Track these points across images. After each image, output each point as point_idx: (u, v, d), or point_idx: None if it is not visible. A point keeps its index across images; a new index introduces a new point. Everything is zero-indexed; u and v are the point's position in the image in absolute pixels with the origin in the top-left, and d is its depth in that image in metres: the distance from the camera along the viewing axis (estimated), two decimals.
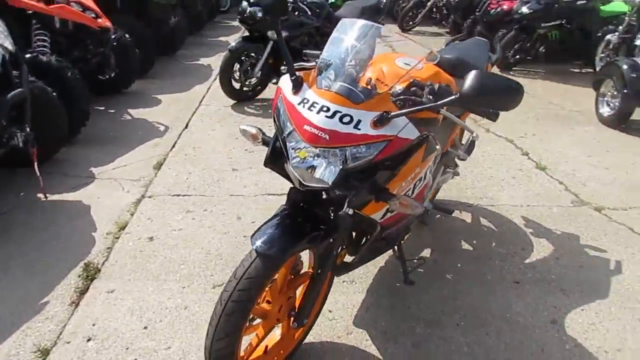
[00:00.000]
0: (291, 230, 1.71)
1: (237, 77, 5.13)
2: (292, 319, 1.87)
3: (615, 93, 4.81)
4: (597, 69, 6.38)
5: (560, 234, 3.01)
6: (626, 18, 5.88)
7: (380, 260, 2.64)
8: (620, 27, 5.91)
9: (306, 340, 2.09)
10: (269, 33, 5.00)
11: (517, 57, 6.80)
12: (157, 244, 2.78)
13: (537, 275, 2.64)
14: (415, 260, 2.64)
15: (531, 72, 6.97)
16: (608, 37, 6.08)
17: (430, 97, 1.69)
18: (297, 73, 1.72)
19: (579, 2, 6.43)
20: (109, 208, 3.13)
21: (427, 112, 1.67)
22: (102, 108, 4.90)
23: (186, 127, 4.57)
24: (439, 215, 3.14)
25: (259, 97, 5.36)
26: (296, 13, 5.14)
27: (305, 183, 1.61)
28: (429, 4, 9.84)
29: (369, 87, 1.73)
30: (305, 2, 5.26)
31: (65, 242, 2.76)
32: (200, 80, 6.13)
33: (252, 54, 5.08)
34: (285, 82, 1.75)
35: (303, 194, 1.82)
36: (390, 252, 2.52)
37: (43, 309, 2.27)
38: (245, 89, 5.23)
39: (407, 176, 1.79)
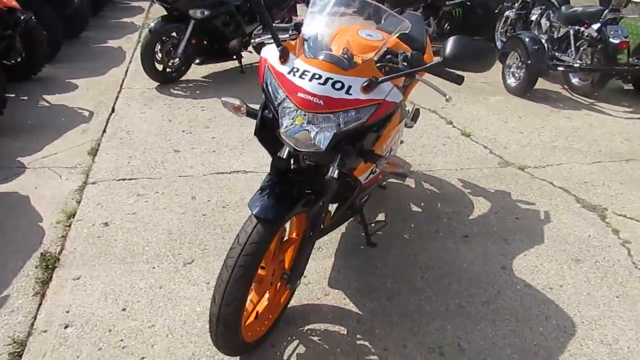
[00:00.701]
0: (285, 196, 1.77)
1: (159, 59, 4.95)
2: (284, 282, 1.94)
3: (520, 64, 5.29)
4: (497, 43, 6.95)
5: (493, 192, 3.32)
6: None
7: (341, 227, 2.75)
8: (516, 5, 6.47)
9: (289, 305, 2.16)
10: (191, 11, 4.88)
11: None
12: (114, 228, 2.69)
13: (482, 229, 2.91)
14: (373, 224, 2.79)
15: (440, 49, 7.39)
16: (506, 13, 6.63)
17: (405, 64, 1.82)
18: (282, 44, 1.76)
19: None
20: (51, 197, 2.95)
21: (397, 78, 1.80)
22: (13, 95, 4.52)
23: (113, 111, 4.36)
24: (385, 183, 3.31)
25: (183, 78, 5.22)
26: None
27: (299, 149, 1.68)
28: None
29: (345, 56, 1.82)
30: None
31: (10, 234, 2.59)
32: (115, 63, 5.83)
33: (173, 34, 4.94)
34: (271, 52, 1.78)
35: (287, 162, 1.88)
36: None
37: (4, 303, 2.14)
38: (168, 70, 5.06)
39: (387, 139, 1.92)
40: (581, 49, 5.27)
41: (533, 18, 6.09)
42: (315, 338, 2.06)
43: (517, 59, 5.35)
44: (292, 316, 2.16)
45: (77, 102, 4.51)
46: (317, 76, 1.65)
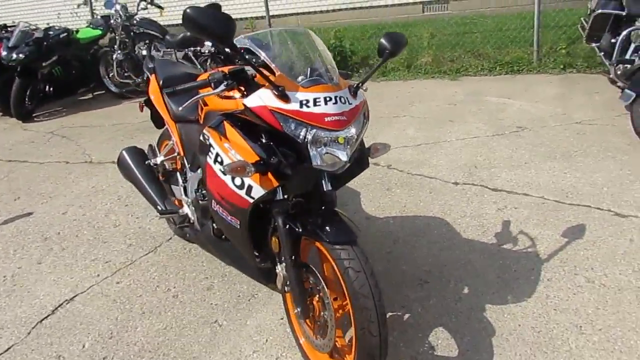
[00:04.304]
0: (337, 214, 1.83)
1: None
2: None
3: None
4: (111, 88, 7.01)
5: None
6: (117, 38, 6.62)
7: None
8: (116, 46, 6.62)
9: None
10: None
11: (31, 103, 6.46)
12: None
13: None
14: None
15: (55, 112, 6.76)
16: (114, 56, 6.63)
17: None
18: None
19: (62, 36, 6.63)
20: None
21: None
22: None
23: None
24: None
25: None
26: None
27: (336, 170, 1.76)
28: None
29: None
30: None
31: None
32: None
33: None
34: (265, 99, 1.70)
35: (287, 202, 1.88)
36: None
37: None
38: None
39: None
40: (208, 62, 6.01)
41: (144, 53, 6.39)
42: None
43: None
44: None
45: None
46: (328, 99, 1.72)
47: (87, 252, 3.11)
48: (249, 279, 2.58)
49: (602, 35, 4.75)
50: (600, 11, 4.72)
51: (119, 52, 6.56)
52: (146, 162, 2.85)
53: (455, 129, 4.55)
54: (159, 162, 2.80)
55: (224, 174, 1.87)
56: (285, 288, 1.94)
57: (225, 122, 1.91)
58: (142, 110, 3.04)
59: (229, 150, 1.87)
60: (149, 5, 6.65)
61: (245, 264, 2.22)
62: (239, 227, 1.94)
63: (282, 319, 2.33)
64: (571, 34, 6.36)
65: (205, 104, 2.13)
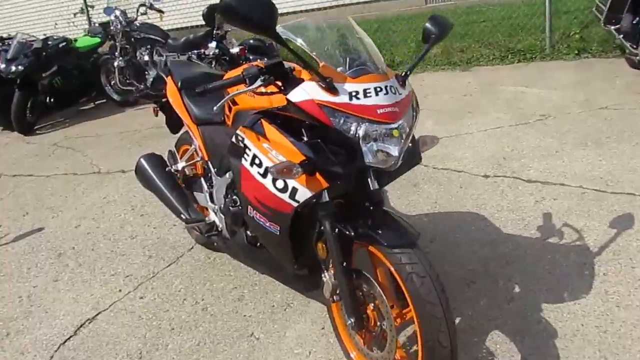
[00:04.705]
0: (388, 214, 1.71)
1: None
2: None
3: None
4: (114, 97, 6.84)
5: None
6: (117, 44, 6.46)
7: None
8: (117, 53, 6.46)
9: None
10: None
11: (33, 115, 6.30)
12: None
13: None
14: None
15: (58, 124, 6.59)
16: (115, 64, 6.45)
17: None
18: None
19: (61, 45, 6.48)
20: None
21: None
22: None
23: None
24: None
25: None
26: None
27: (391, 165, 1.62)
28: None
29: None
30: None
31: None
32: None
33: None
34: (311, 92, 1.55)
35: (339, 204, 1.75)
36: None
37: None
38: None
39: None
40: (212, 65, 5.85)
41: (146, 59, 6.24)
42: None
43: None
44: None
45: None
46: (378, 89, 1.57)
47: (105, 266, 2.96)
48: (282, 288, 2.44)
49: (621, 17, 4.60)
50: None
51: (120, 58, 6.39)
52: (167, 169, 2.69)
53: (475, 120, 4.39)
54: (180, 168, 2.64)
55: (264, 176, 1.72)
56: (334, 297, 1.79)
57: (263, 121, 1.75)
58: (156, 115, 2.89)
59: (269, 150, 1.72)
60: (148, 10, 6.48)
61: (282, 272, 2.07)
62: (278, 233, 1.79)
63: (323, 328, 2.19)
64: (584, 19, 6.22)
65: (235, 103, 1.97)
